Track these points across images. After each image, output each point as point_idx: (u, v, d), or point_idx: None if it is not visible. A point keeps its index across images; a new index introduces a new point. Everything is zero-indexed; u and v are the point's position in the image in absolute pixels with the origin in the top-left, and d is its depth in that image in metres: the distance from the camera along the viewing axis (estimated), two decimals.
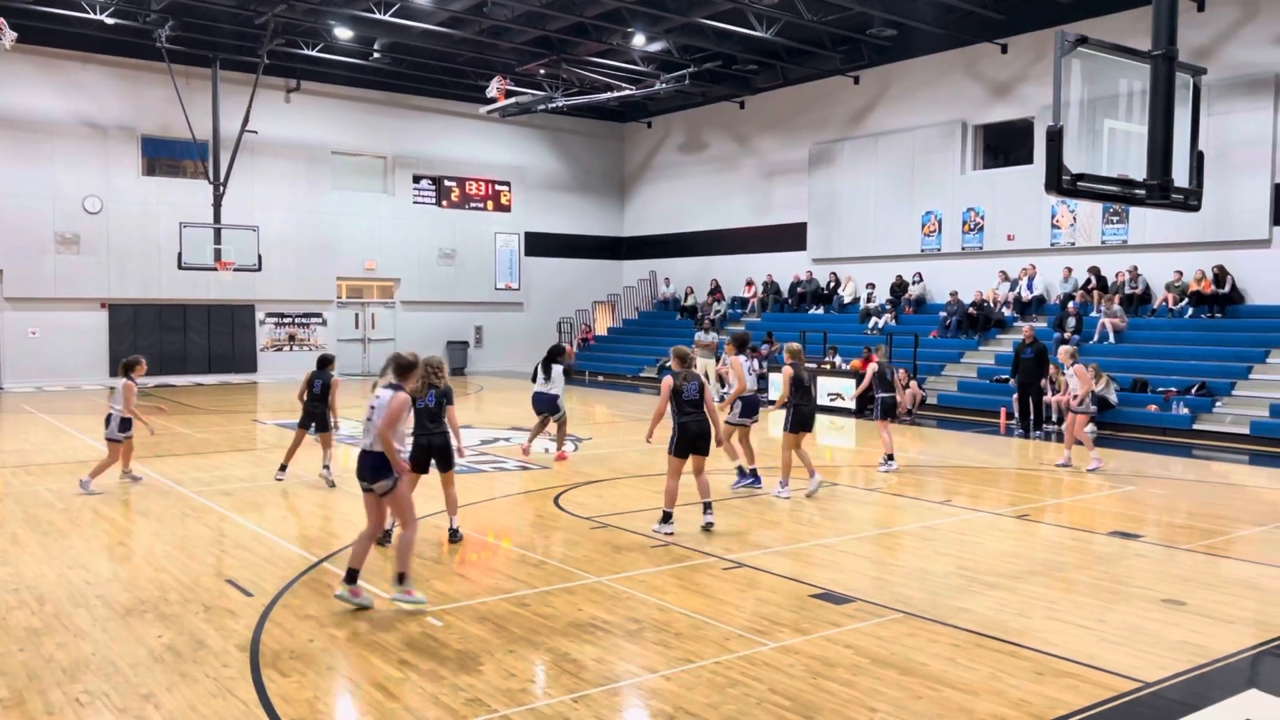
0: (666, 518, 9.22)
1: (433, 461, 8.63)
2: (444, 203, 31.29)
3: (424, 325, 30.67)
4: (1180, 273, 20.36)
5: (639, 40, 24.06)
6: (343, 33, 23.99)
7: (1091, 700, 5.30)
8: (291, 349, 28.69)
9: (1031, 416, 18.01)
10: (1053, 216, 22.36)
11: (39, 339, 25.19)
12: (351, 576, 6.92)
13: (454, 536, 8.89)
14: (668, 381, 9.27)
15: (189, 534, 9.39)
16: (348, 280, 29.86)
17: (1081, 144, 7.79)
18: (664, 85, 26.40)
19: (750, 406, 11.74)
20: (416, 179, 30.80)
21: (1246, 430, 16.57)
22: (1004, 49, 23.02)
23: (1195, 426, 17.05)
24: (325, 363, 12.13)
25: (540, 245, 33.19)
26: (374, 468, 6.87)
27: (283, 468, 12.02)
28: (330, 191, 29.09)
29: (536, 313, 32.98)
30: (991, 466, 14.09)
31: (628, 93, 27.16)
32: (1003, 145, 24.02)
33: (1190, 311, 19.87)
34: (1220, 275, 19.64)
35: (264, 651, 6.05)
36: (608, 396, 24.75)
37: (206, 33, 24.24)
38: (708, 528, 9.28)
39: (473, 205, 31.89)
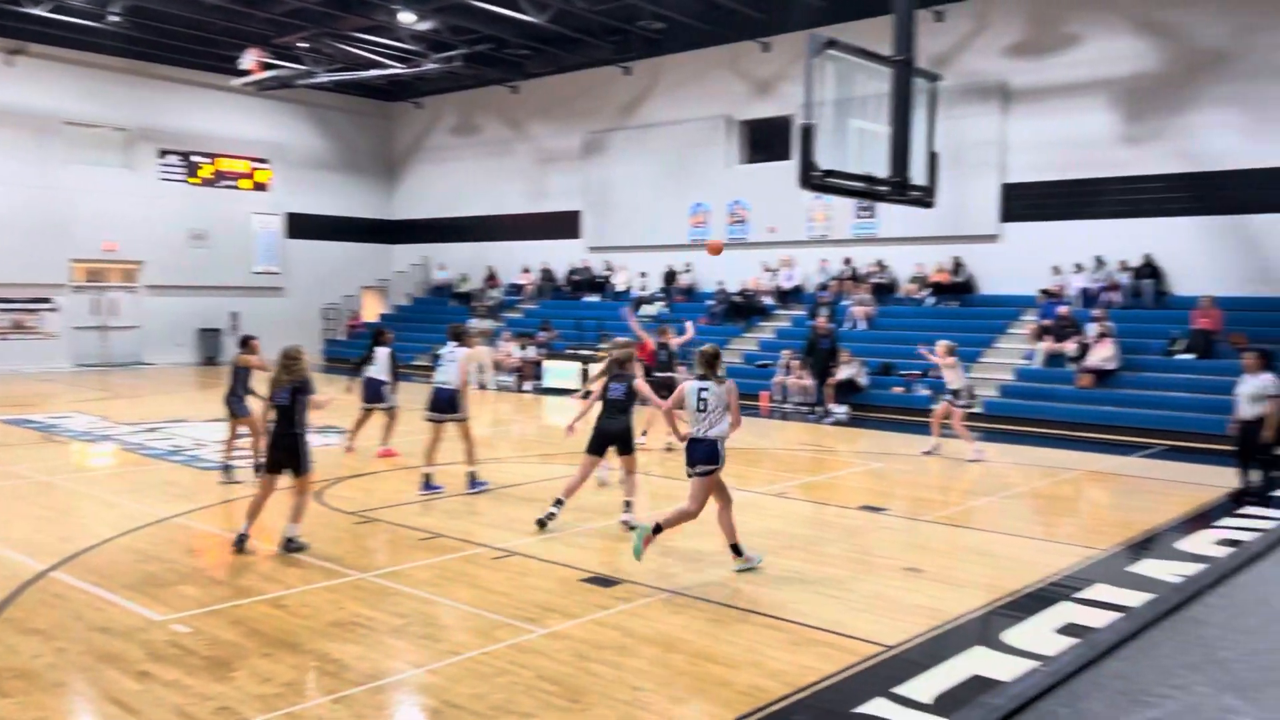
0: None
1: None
2: (194, 180, 29.22)
3: (171, 311, 28.52)
4: (921, 264, 22.02)
5: (407, 18, 23.37)
6: None
7: (840, 666, 5.63)
8: (17, 337, 25.98)
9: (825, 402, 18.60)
10: (810, 210, 23.58)
11: None
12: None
13: (289, 546, 8.02)
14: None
15: None
16: (84, 262, 27.31)
17: (832, 142, 8.25)
18: (434, 66, 25.78)
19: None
20: (163, 153, 28.56)
21: (981, 410, 18.13)
22: (765, 47, 24.03)
23: (935, 406, 18.47)
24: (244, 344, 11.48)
25: (303, 227, 31.60)
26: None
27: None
28: (63, 165, 26.50)
29: (299, 298, 31.39)
30: (755, 448, 14.71)
31: (396, 71, 26.35)
32: (765, 140, 25.08)
33: (931, 300, 21.52)
34: (956, 266, 21.39)
35: None
36: None
37: None
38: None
39: (227, 183, 29.94)
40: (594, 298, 27.39)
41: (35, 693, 5.21)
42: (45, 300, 26.52)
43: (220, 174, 29.77)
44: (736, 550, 7.65)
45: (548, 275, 28.85)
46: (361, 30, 24.60)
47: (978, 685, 5.30)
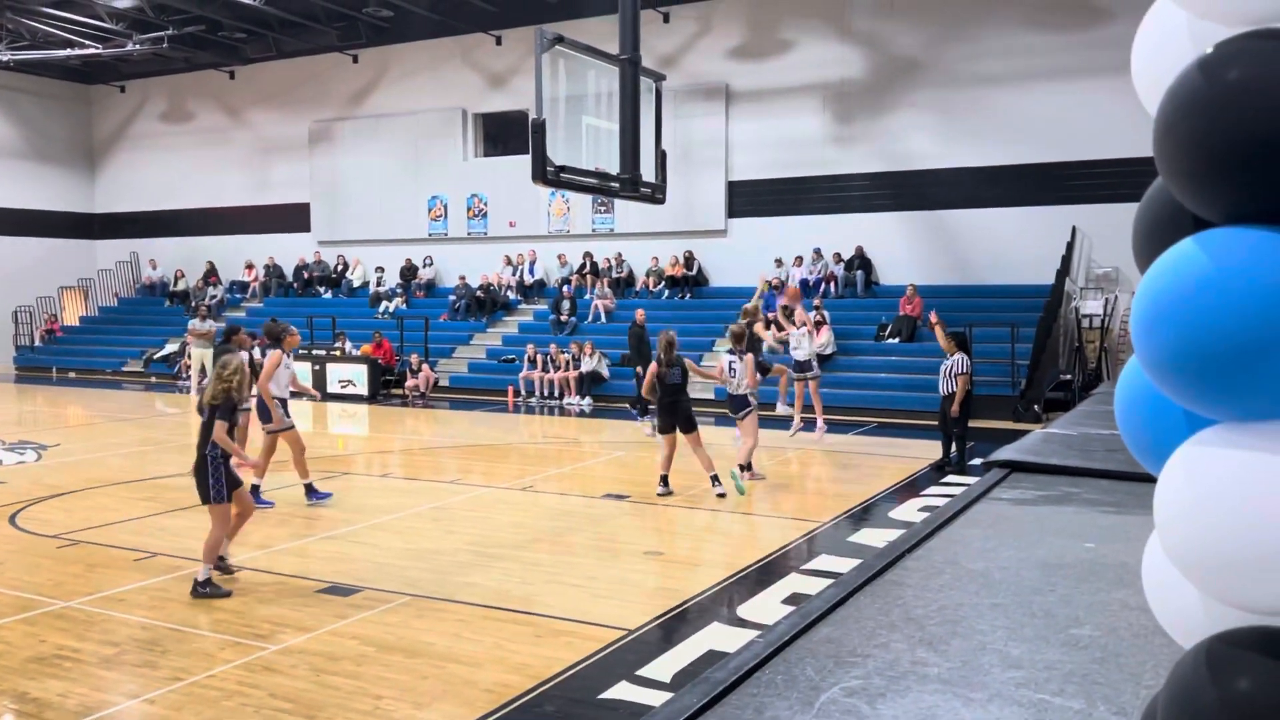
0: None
1: None
2: None
3: None
4: (657, 258, 22.74)
5: None
6: None
7: (583, 654, 5.70)
8: None
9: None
10: (549, 205, 23.75)
11: None
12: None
13: (198, 589, 6.86)
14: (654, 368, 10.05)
15: None
16: None
17: (565, 138, 8.34)
18: (137, 47, 23.76)
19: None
20: None
21: (711, 395, 18.94)
22: (498, 41, 23.93)
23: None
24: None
25: None
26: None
27: None
28: None
29: None
30: (501, 443, 14.66)
31: (93, 51, 24.07)
32: (502, 134, 25.00)
33: (667, 293, 22.26)
34: (689, 260, 22.26)
35: None
36: (82, 395, 21.90)
37: None
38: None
39: None
40: (328, 294, 26.29)
41: None
42: None
43: None
44: (717, 479, 10.09)
45: (275, 271, 27.35)
46: (51, 5, 22.28)
47: (712, 659, 5.52)
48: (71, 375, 25.58)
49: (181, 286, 28.42)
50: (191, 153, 29.02)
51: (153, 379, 24.69)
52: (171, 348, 25.05)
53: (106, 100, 30.61)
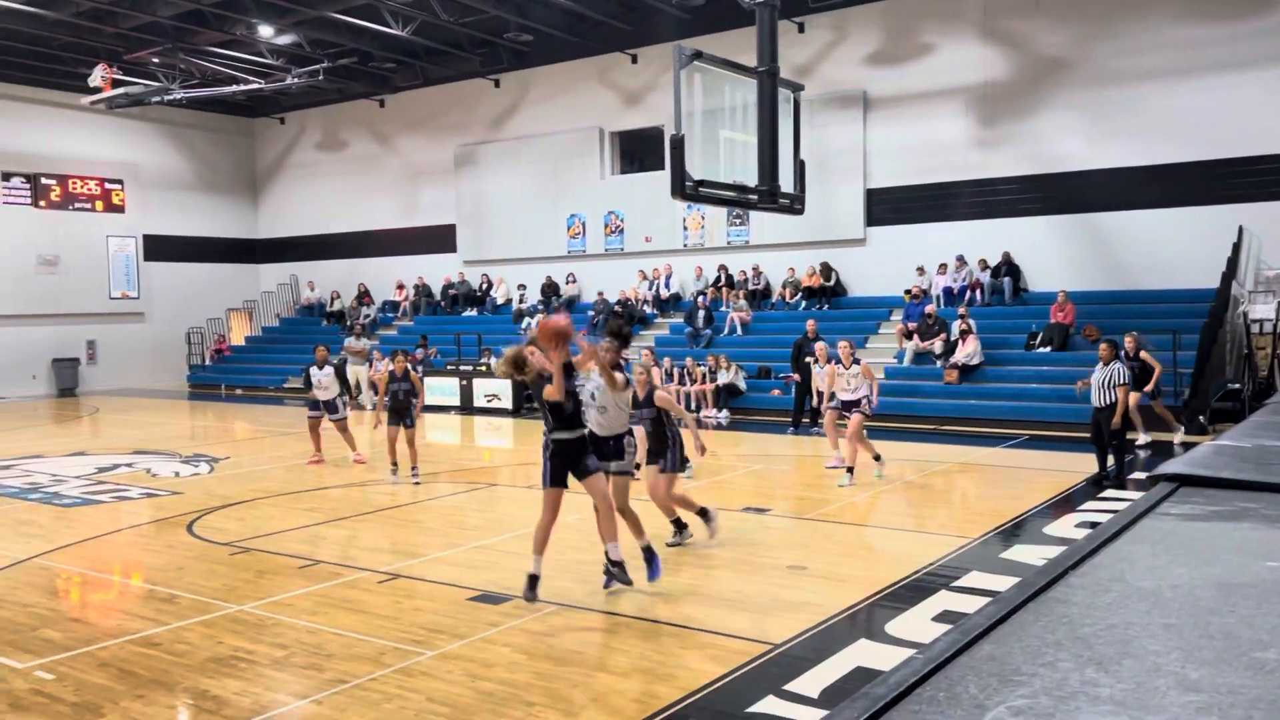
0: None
1: None
2: (42, 203, 27.71)
3: (22, 342, 26.97)
4: (793, 269, 22.56)
5: (266, 31, 22.72)
6: None
7: (729, 667, 5.71)
8: None
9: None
10: (684, 219, 23.89)
11: None
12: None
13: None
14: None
15: None
16: None
17: (702, 152, 8.40)
18: (295, 80, 25.12)
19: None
20: (6, 176, 27.01)
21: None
22: (634, 59, 24.27)
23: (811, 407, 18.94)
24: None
25: (162, 249, 30.29)
26: None
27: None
28: None
29: (161, 323, 30.08)
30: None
31: (255, 86, 25.56)
32: (638, 151, 25.31)
33: (804, 304, 22.06)
34: (826, 271, 22.00)
35: None
36: (248, 410, 23.20)
37: None
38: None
39: (78, 205, 28.50)
40: (472, 312, 27.11)
41: None
42: None
43: (70, 195, 28.32)
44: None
45: (423, 291, 28.41)
46: (218, 45, 23.80)
47: (861, 676, 5.44)
48: (238, 392, 27.13)
49: (337, 307, 29.83)
50: (345, 179, 30.49)
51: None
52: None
53: (267, 132, 32.49)
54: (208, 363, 30.07)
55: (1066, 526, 9.14)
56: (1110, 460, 11.34)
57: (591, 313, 24.48)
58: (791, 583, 7.57)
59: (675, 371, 20.29)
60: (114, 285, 29.23)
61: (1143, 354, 14.00)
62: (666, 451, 8.29)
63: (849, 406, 11.75)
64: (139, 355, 29.48)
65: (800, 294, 22.28)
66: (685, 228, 24.03)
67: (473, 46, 25.00)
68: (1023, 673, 1.79)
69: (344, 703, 5.34)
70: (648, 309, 24.07)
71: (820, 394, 13.67)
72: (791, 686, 5.35)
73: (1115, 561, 2.70)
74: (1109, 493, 10.64)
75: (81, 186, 28.52)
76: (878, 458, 11.68)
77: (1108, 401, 11.07)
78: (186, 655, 6.17)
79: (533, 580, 6.69)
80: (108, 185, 29.08)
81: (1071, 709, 1.65)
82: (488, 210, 27.31)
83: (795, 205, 8.80)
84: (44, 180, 27.72)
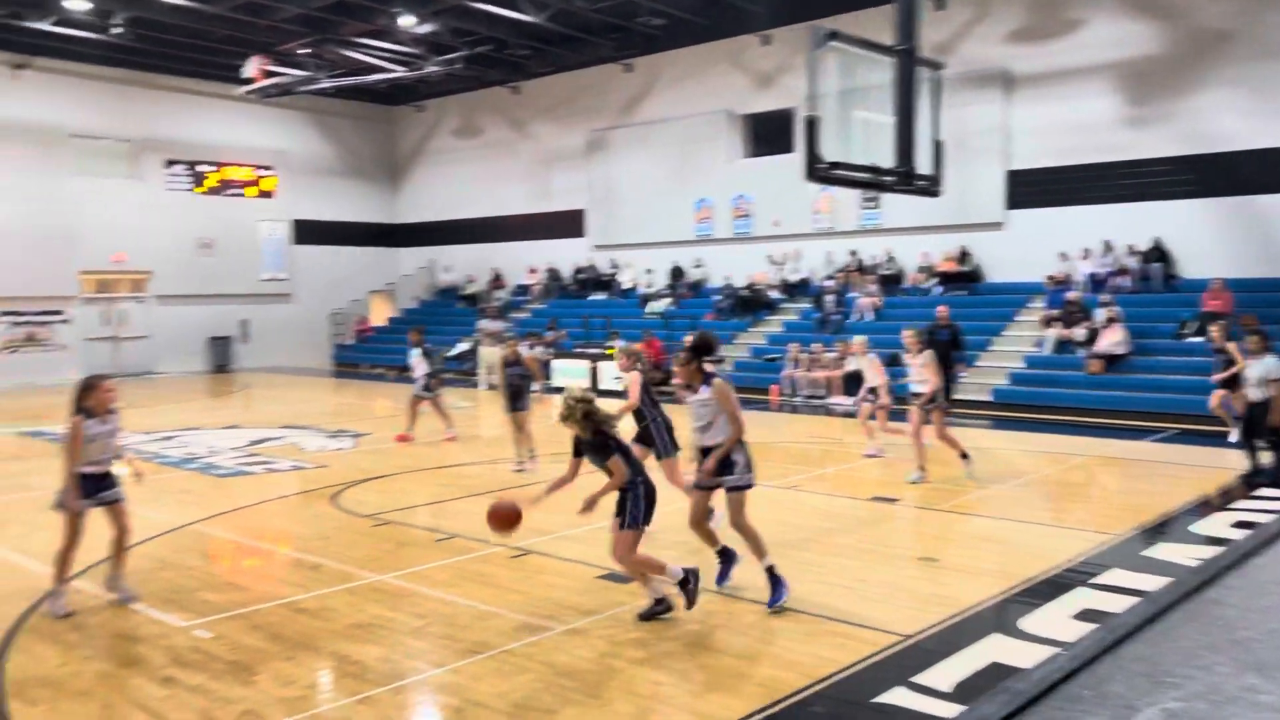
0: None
1: None
2: (200, 189, 29.33)
3: (182, 320, 28.66)
4: (927, 253, 21.99)
5: (407, 21, 23.39)
6: (77, 5, 21.96)
7: (858, 656, 5.65)
8: (29, 350, 26.13)
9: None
10: (815, 203, 23.56)
11: None
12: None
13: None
14: (636, 377, 8.85)
15: None
16: (93, 274, 27.45)
17: (836, 134, 8.27)
18: (435, 68, 25.82)
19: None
20: (169, 163, 28.68)
21: (989, 397, 18.12)
22: (766, 41, 24.01)
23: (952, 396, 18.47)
24: None
25: (309, 233, 31.70)
26: None
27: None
28: (70, 177, 26.61)
29: (307, 304, 31.50)
30: (765, 442, 14.71)
31: (397, 75, 26.38)
32: (768, 134, 25.06)
33: (939, 290, 21.48)
34: (963, 255, 21.36)
35: (8, 680, 5.50)
36: (388, 389, 24.08)
37: None
38: None
39: (233, 191, 30.06)
40: (600, 296, 27.43)
41: (62, 700, 5.27)
42: (57, 312, 26.67)
43: (226, 182, 29.88)
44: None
45: (554, 274, 28.90)
46: (363, 35, 24.65)
47: (997, 672, 5.31)
48: (378, 371, 28.18)
49: (472, 290, 30.63)
50: (479, 165, 31.25)
51: (447, 375, 26.73)
52: (463, 346, 26.98)
53: (407, 120, 33.54)
54: (350, 342, 31.32)
55: (1218, 526, 8.67)
56: (1264, 457, 10.69)
57: (717, 297, 24.45)
58: (922, 574, 7.43)
59: (803, 357, 20.10)
60: (265, 267, 30.75)
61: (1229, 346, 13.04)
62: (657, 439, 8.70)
63: (918, 398, 11.19)
64: (287, 334, 30.94)
65: (935, 279, 21.71)
66: (815, 211, 23.70)
67: (606, 32, 25.19)
68: (1175, 675, 1.73)
69: (478, 672, 5.52)
70: (775, 294, 23.87)
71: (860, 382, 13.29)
72: (921, 679, 5.26)
73: (1276, 563, 2.56)
74: (1264, 492, 10.04)
75: (236, 173, 30.06)
76: (965, 455, 11.10)
77: (1262, 397, 10.43)
78: (332, 621, 6.48)
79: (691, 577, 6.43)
80: (259, 172, 30.56)
81: (1228, 715, 1.59)
82: (617, 195, 27.55)
83: (932, 187, 8.57)
84: (202, 168, 29.33)
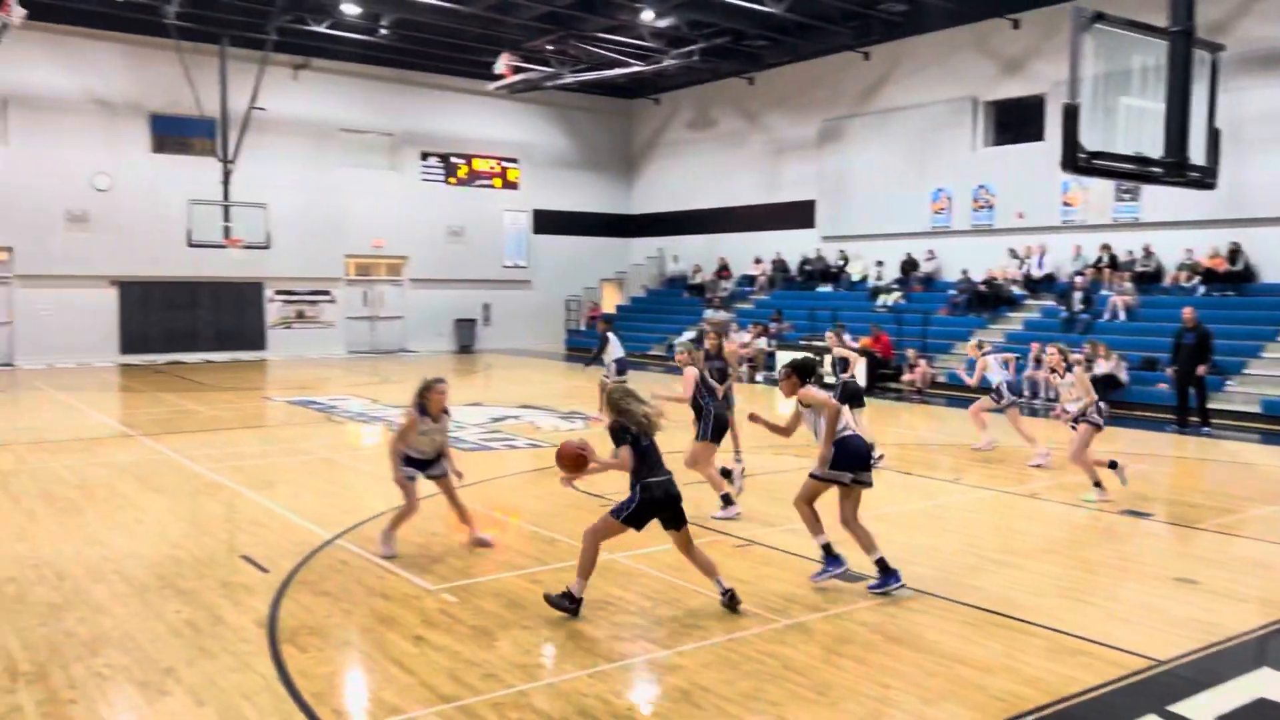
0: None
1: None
2: (452, 180, 31.24)
3: (431, 303, 30.70)
4: (1190, 250, 20.25)
5: (648, 16, 23.90)
6: (350, 9, 23.86)
7: (1105, 678, 5.32)
8: (300, 326, 28.79)
9: (1193, 406, 15.72)
10: (1064, 194, 22.21)
11: (50, 316, 25.25)
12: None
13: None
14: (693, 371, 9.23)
15: (202, 510, 9.46)
16: (356, 258, 29.86)
17: (1097, 121, 7.76)
18: (673, 61, 26.24)
19: None
20: (424, 156, 30.73)
21: (1258, 409, 16.52)
22: (1015, 24, 22.82)
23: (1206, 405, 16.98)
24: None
25: (548, 223, 33.12)
26: None
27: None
28: (338, 169, 29.04)
29: (543, 290, 32.95)
30: (1001, 445, 14.06)
31: (636, 69, 27.01)
32: (1013, 122, 23.85)
33: (1202, 290, 19.76)
34: (1234, 253, 19.53)
35: (281, 627, 6.10)
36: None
37: (214, 9, 24.12)
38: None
39: (481, 182, 31.83)
40: (827, 288, 27.04)
41: (327, 649, 5.78)
42: (324, 293, 29.21)
43: (475, 174, 31.68)
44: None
45: (780, 265, 28.74)
46: (605, 31, 25.40)
47: (1264, 710, 4.87)
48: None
49: (698, 279, 30.99)
50: (710, 156, 31.52)
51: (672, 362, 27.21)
52: (688, 335, 27.33)
53: (643, 112, 34.29)
54: (582, 328, 32.46)
55: None
56: None
57: (953, 292, 23.54)
58: (1178, 596, 6.89)
59: (1046, 358, 19.01)
60: (507, 255, 32.41)
61: None
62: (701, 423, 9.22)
63: (1077, 419, 10.32)
64: (525, 319, 32.48)
65: (1198, 278, 19.97)
66: (1065, 203, 22.34)
67: (844, 20, 24.75)
68: None
69: (705, 659, 5.61)
70: (1016, 289, 22.71)
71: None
72: (1178, 708, 4.89)
73: None
74: None
75: (484, 165, 31.79)
76: (1098, 484, 10.11)
77: None
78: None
79: None
80: (504, 164, 32.19)
81: None
82: (849, 185, 27.04)
83: (1206, 179, 7.89)
84: (454, 160, 31.21)
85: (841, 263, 27.22)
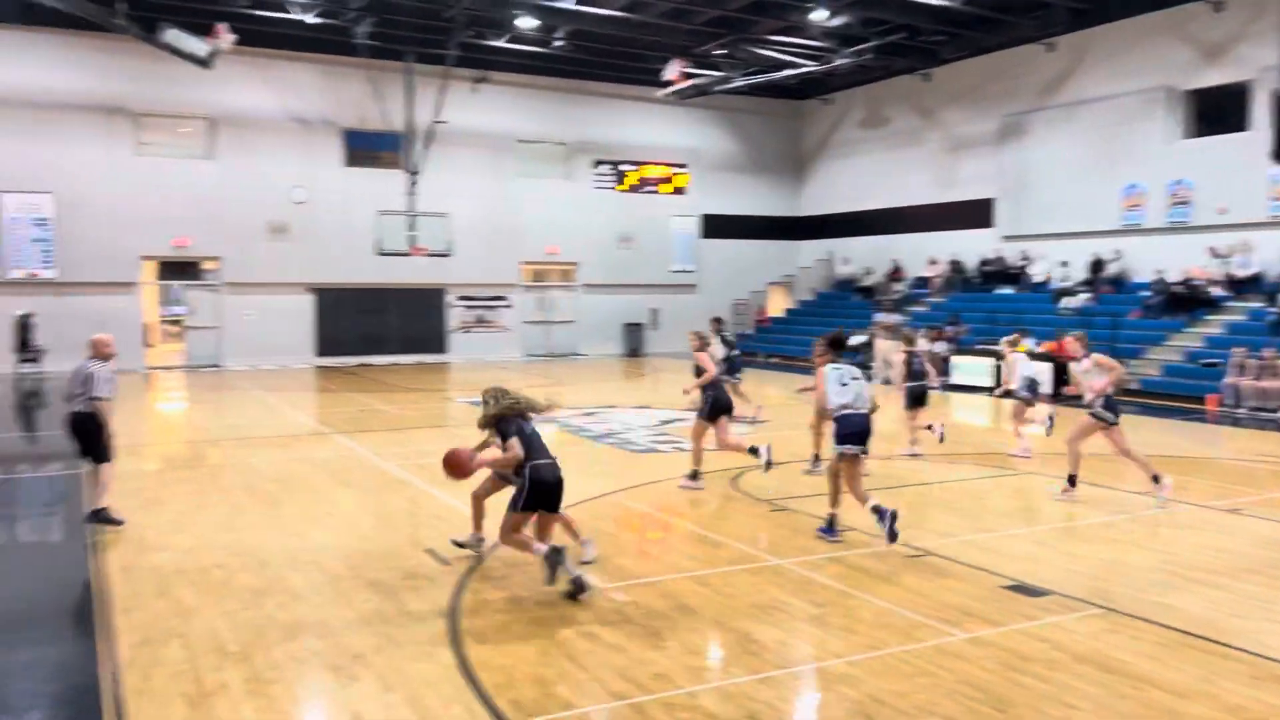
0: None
1: None
2: (621, 186, 31.76)
3: (602, 308, 31.30)
4: None
5: (819, 15, 23.61)
6: (526, 22, 24.64)
7: None
8: (479, 331, 29.93)
9: None
10: (1272, 186, 20.56)
11: (253, 321, 27.17)
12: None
13: None
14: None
15: (388, 504, 9.98)
16: (531, 264, 30.80)
17: None
18: (845, 60, 25.82)
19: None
20: (596, 164, 31.37)
21: None
22: (1217, 7, 21.29)
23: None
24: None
25: (716, 227, 33.19)
26: None
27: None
28: (514, 178, 30.02)
29: (710, 295, 32.95)
30: (1198, 456, 13.17)
31: (807, 69, 26.72)
32: (1215, 111, 22.26)
33: None
34: None
35: (461, 618, 6.36)
36: (781, 378, 24.56)
37: (400, 28, 25.41)
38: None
39: (649, 189, 32.22)
40: (1008, 289, 25.97)
41: (509, 642, 5.99)
42: (501, 298, 30.26)
43: (644, 180, 32.11)
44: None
45: (957, 267, 27.80)
46: (775, 32, 25.26)
47: None
48: (774, 360, 28.85)
49: (869, 282, 30.35)
50: (883, 156, 30.83)
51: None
52: (858, 339, 26.83)
53: (814, 113, 33.89)
54: (750, 331, 32.35)
55: None
56: None
57: (1146, 293, 22.17)
58: None
59: (1249, 364, 17.68)
60: (675, 260, 32.68)
61: None
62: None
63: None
64: (691, 323, 32.48)
65: None
66: (1274, 197, 20.67)
67: (1026, 11, 23.74)
68: None
69: (877, 669, 5.51)
70: (1217, 290, 21.17)
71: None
72: None
73: None
74: None
75: (652, 172, 32.19)
76: (1156, 479, 9.54)
77: None
78: (734, 598, 6.78)
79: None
80: (673, 170, 32.47)
81: None
82: (1031, 182, 25.89)
83: None
84: (624, 167, 31.73)
85: (1023, 263, 26.10)
